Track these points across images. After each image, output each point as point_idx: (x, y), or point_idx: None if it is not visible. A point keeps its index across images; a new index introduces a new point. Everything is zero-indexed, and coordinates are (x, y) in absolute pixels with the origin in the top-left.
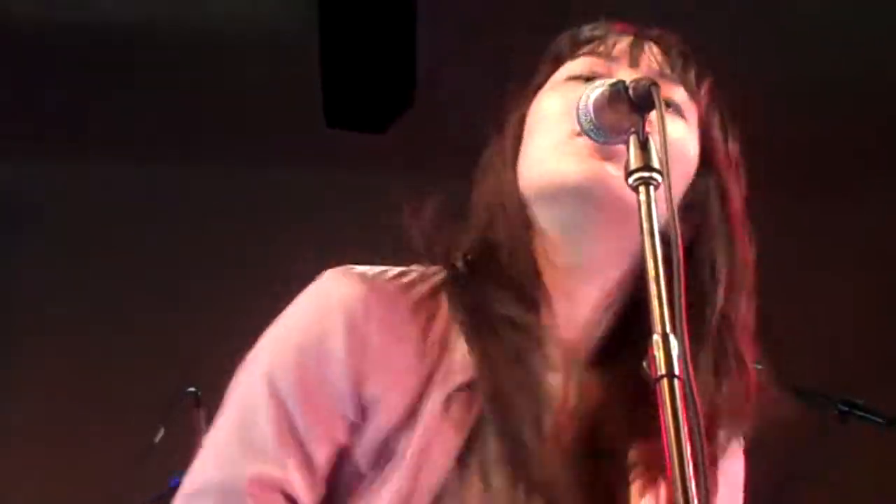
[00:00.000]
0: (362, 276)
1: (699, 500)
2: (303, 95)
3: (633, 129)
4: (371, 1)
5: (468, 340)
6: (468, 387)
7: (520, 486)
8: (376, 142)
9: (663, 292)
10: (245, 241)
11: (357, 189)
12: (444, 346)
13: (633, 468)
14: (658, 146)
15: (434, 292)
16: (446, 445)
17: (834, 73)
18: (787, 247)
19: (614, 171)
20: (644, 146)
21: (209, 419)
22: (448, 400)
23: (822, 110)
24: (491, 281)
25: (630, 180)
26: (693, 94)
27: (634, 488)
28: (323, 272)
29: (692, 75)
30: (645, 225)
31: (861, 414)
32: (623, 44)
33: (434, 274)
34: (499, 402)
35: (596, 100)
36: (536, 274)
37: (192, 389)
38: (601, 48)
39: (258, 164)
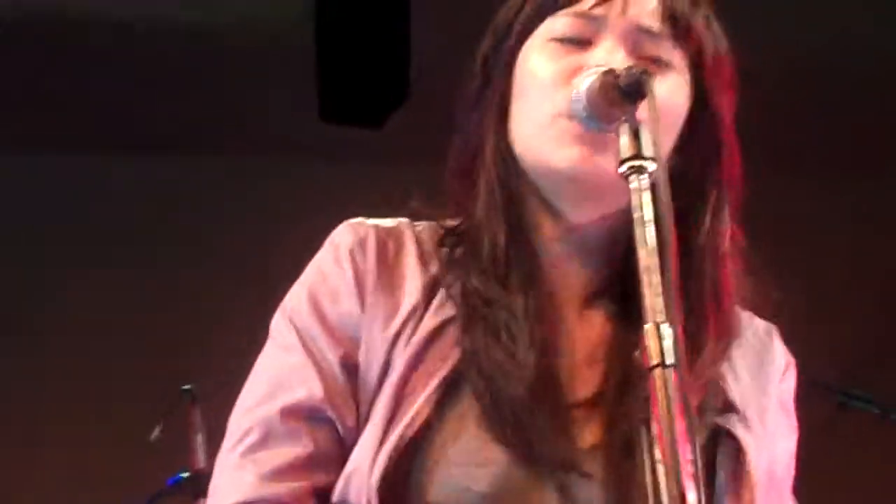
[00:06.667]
0: (370, 223)
1: (695, 488)
2: (299, 89)
3: (624, 118)
4: None
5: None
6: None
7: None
8: (372, 135)
9: (655, 282)
10: (241, 237)
11: (354, 183)
12: (437, 284)
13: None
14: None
15: (437, 244)
16: (429, 371)
17: None
18: (787, 233)
19: (598, 156)
20: (636, 135)
21: (205, 417)
22: (436, 330)
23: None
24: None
25: (621, 169)
26: (681, 35)
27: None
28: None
29: (680, 14)
30: (636, 214)
31: (860, 404)
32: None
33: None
34: (477, 358)
35: (588, 88)
36: (523, 226)
37: (187, 387)
38: (581, 6)
39: (255, 158)
